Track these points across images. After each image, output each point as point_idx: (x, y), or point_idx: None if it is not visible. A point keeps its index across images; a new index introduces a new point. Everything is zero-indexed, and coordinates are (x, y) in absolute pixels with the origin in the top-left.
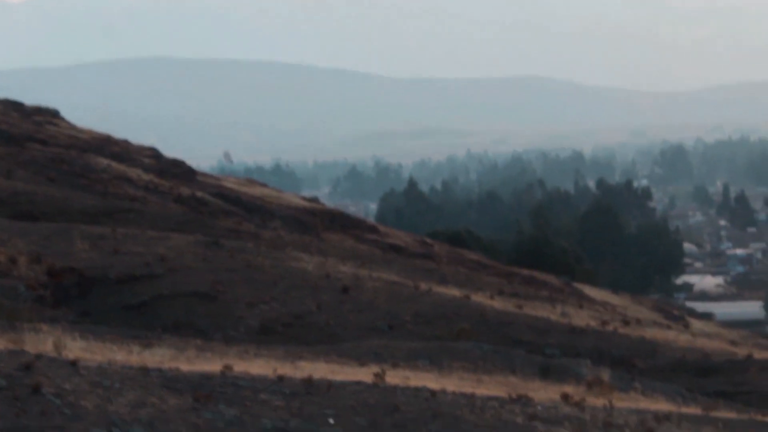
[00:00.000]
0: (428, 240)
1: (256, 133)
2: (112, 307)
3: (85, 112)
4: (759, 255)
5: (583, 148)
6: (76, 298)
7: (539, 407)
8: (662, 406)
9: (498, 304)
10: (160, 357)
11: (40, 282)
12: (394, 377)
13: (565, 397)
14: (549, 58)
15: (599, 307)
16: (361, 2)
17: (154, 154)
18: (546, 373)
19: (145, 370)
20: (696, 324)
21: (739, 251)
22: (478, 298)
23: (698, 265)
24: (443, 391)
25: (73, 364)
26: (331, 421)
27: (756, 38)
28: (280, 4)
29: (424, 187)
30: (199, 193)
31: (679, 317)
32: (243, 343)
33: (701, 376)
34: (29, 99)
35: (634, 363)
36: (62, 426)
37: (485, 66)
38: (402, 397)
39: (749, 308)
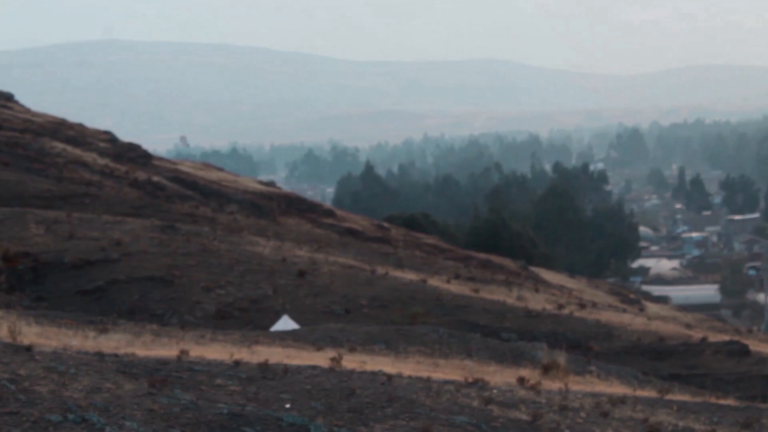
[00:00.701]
0: (385, 224)
1: (213, 116)
2: (67, 292)
3: (39, 97)
4: (714, 238)
5: (540, 132)
6: (30, 283)
7: (495, 391)
8: (618, 389)
9: (454, 288)
10: (115, 342)
11: None
12: (351, 361)
13: (521, 381)
14: (506, 40)
15: (555, 290)
16: None
17: (109, 138)
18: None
19: (100, 356)
20: (652, 307)
21: (695, 235)
22: (435, 282)
23: (654, 248)
24: (399, 375)
25: (28, 349)
26: (288, 405)
27: (711, 21)
28: None
29: (381, 171)
30: (156, 178)
31: (635, 301)
32: (199, 327)
33: (656, 359)
34: None
35: (590, 346)
36: (17, 411)
37: (442, 49)
38: (358, 381)
39: (705, 292)
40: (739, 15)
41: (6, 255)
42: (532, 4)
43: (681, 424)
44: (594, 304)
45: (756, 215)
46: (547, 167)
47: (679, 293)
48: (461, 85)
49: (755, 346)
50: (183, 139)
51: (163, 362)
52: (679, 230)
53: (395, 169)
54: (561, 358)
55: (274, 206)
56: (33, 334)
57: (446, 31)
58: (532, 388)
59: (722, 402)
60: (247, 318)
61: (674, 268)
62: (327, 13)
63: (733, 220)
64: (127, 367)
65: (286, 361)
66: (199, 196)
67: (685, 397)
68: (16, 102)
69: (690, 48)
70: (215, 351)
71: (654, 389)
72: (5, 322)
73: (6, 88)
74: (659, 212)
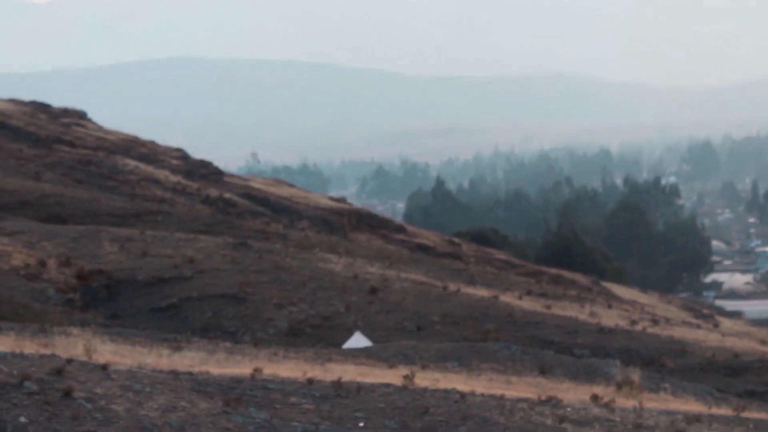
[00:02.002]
0: (456, 239)
1: (283, 132)
2: (141, 310)
3: (112, 114)
4: None
5: (610, 145)
6: (105, 300)
7: (569, 408)
8: (692, 406)
9: (526, 304)
10: (189, 360)
11: (69, 285)
12: (424, 379)
13: (595, 398)
14: (575, 54)
15: (628, 306)
16: (385, 3)
17: (181, 155)
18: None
19: (175, 374)
20: (725, 323)
21: None
22: (507, 298)
23: (727, 262)
24: (472, 393)
25: (104, 368)
26: (361, 424)
27: None
28: (307, 6)
29: (451, 186)
30: (227, 194)
31: (709, 316)
32: (272, 345)
33: (731, 375)
34: (57, 101)
35: (664, 363)
36: (94, 430)
37: (511, 63)
38: (431, 399)
39: None
40: None
41: (81, 273)
42: (601, 19)
43: None
44: (667, 320)
45: None
46: (618, 181)
47: (753, 308)
48: (531, 99)
49: None
50: (254, 155)
51: (238, 380)
52: (753, 244)
53: (465, 184)
54: (635, 375)
55: (345, 222)
56: (108, 352)
57: (515, 46)
58: (606, 405)
59: None
60: (320, 335)
61: (748, 283)
62: (395, 29)
63: None
64: (201, 385)
65: (359, 379)
66: (271, 213)
67: (761, 415)
68: (89, 120)
69: (761, 61)
70: (288, 369)
71: (729, 407)
72: (81, 340)
73: (80, 106)
74: (732, 226)
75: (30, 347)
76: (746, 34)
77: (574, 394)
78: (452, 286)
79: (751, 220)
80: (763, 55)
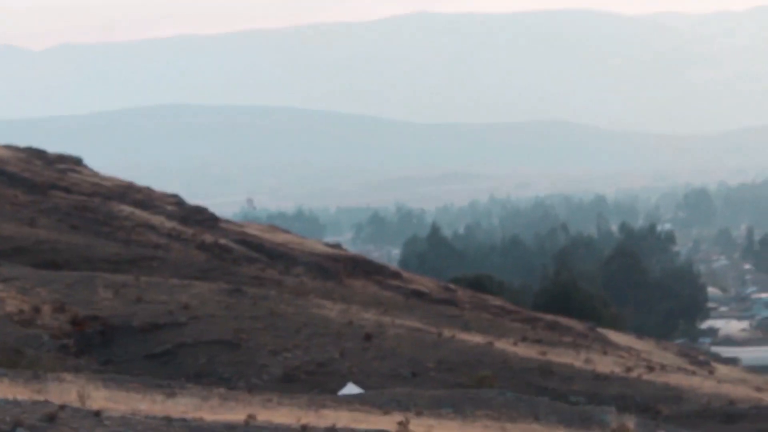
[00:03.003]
0: (451, 285)
1: (278, 179)
2: (135, 356)
3: (108, 160)
4: None
5: (606, 192)
6: (99, 346)
7: None
8: None
9: (522, 350)
10: (183, 406)
11: (63, 331)
12: (418, 425)
13: None
14: (570, 102)
15: (624, 352)
16: (382, 48)
17: (176, 201)
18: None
19: (168, 420)
20: (721, 369)
21: (764, 295)
22: (502, 344)
23: (723, 309)
24: None
25: (97, 414)
26: None
27: None
28: (304, 52)
29: (447, 232)
30: (223, 240)
31: (704, 362)
32: (266, 391)
33: (727, 422)
34: (52, 147)
35: (659, 410)
36: None
37: (507, 110)
38: None
39: None
40: None
41: (75, 319)
42: (597, 67)
43: None
44: (662, 367)
45: None
46: (614, 228)
47: (750, 354)
48: (527, 146)
49: None
50: (250, 201)
51: (231, 427)
52: (748, 291)
53: (461, 230)
54: (630, 422)
55: (340, 268)
56: (102, 398)
57: (511, 93)
58: None
59: None
60: (314, 381)
61: (743, 329)
62: (392, 76)
63: None
64: (195, 431)
65: (354, 426)
66: (266, 259)
67: None
68: (85, 166)
69: (756, 108)
70: (282, 415)
71: None
72: (74, 386)
73: (75, 152)
74: (728, 273)
75: (23, 393)
76: (741, 82)
77: None
78: (447, 333)
79: (747, 266)
80: (758, 103)
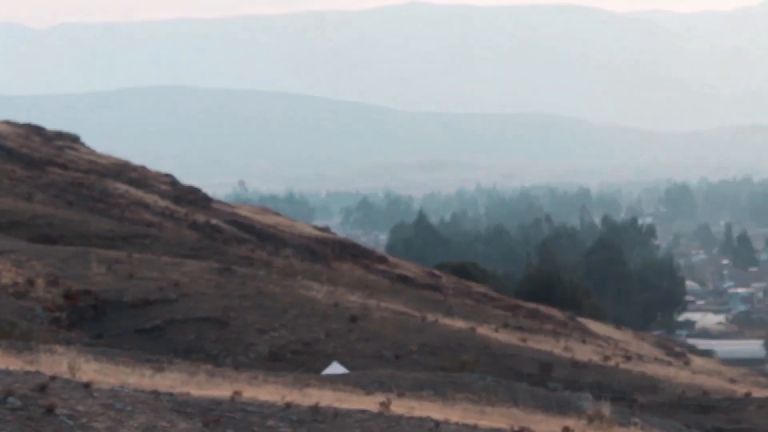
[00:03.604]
0: (436, 271)
1: (270, 163)
2: (125, 331)
3: (104, 139)
4: (760, 294)
5: (590, 185)
6: (91, 320)
7: None
8: None
9: (503, 336)
10: (171, 381)
11: (56, 304)
12: (400, 406)
13: (566, 430)
14: (558, 96)
15: (602, 342)
16: (374, 39)
17: (170, 180)
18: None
19: (156, 394)
20: (697, 361)
21: (741, 290)
22: (484, 330)
23: (700, 302)
24: (447, 422)
25: (87, 386)
26: None
27: (760, 82)
28: (299, 39)
29: (433, 220)
30: (214, 221)
31: (680, 354)
32: (252, 369)
33: (700, 412)
34: (51, 124)
35: (635, 398)
36: None
37: (496, 102)
38: (406, 427)
39: (750, 346)
40: None
41: (68, 293)
42: (584, 63)
43: None
44: (640, 357)
45: None
46: (597, 220)
47: (725, 348)
48: (514, 138)
49: None
50: (242, 183)
51: (217, 402)
52: (726, 285)
53: (447, 218)
54: (606, 409)
55: (328, 251)
56: (92, 370)
57: (500, 86)
58: None
59: None
60: (300, 361)
61: (720, 323)
62: (384, 65)
63: None
64: (181, 406)
65: (337, 405)
66: (256, 240)
67: None
68: (82, 144)
69: (739, 108)
70: (268, 392)
71: None
72: (65, 358)
73: (73, 130)
74: (706, 267)
75: (15, 364)
76: (724, 82)
77: (546, 425)
78: (431, 317)
79: (725, 261)
80: (740, 103)
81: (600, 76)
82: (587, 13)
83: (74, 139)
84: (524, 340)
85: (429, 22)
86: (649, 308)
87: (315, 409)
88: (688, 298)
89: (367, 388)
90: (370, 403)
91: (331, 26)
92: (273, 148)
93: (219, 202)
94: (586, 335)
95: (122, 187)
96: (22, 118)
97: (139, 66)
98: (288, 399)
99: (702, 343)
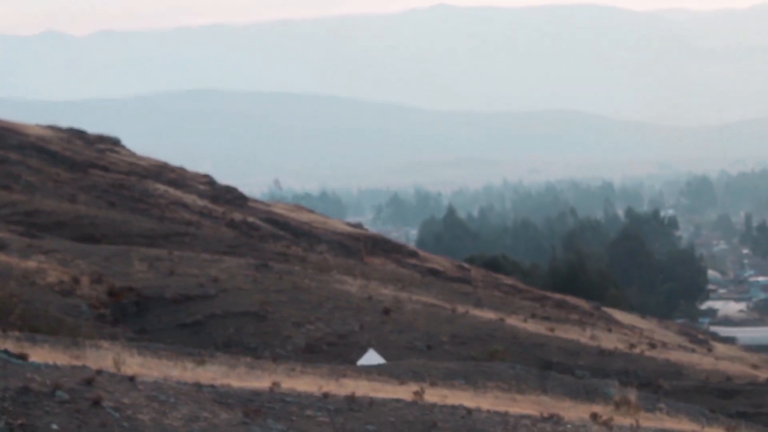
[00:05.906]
0: (465, 265)
1: (304, 162)
2: (167, 326)
3: (144, 141)
4: None
5: (613, 179)
6: (134, 316)
7: (569, 426)
8: (686, 426)
9: (531, 326)
10: (212, 373)
11: (100, 301)
12: (432, 395)
13: (594, 417)
14: (580, 93)
15: (627, 330)
16: (402, 41)
17: (208, 181)
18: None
19: (198, 386)
20: (719, 348)
21: (761, 278)
22: (512, 321)
23: (722, 291)
24: (478, 410)
25: (132, 379)
26: None
27: None
28: (328, 42)
29: (462, 214)
30: (251, 218)
31: (703, 341)
32: (290, 360)
33: (724, 397)
34: (92, 128)
35: (660, 384)
36: None
37: (520, 100)
38: (439, 415)
39: None
40: None
41: (111, 290)
42: (605, 59)
43: None
44: (664, 344)
45: None
46: (620, 213)
47: (746, 334)
48: (539, 134)
49: None
50: (276, 182)
51: (257, 393)
52: (746, 274)
53: (475, 212)
54: (632, 395)
55: (361, 247)
56: (136, 364)
57: (524, 85)
58: (605, 423)
59: None
60: (335, 352)
61: (741, 311)
62: (412, 67)
63: None
64: (222, 397)
65: (372, 394)
66: (291, 237)
67: None
68: (123, 146)
69: (756, 101)
70: (305, 383)
71: (722, 427)
72: (110, 353)
73: (113, 134)
74: (727, 257)
75: (62, 359)
76: (741, 77)
77: (574, 412)
78: (461, 309)
79: (745, 251)
80: (757, 97)
81: (621, 74)
82: (607, 12)
83: (115, 142)
84: (552, 330)
85: (454, 23)
86: (672, 297)
87: (351, 399)
88: (710, 287)
89: (401, 378)
90: (404, 392)
91: (360, 29)
92: (306, 148)
93: (255, 200)
94: (611, 324)
95: (162, 187)
96: (64, 123)
97: (176, 70)
98: (325, 389)
99: (724, 331)
